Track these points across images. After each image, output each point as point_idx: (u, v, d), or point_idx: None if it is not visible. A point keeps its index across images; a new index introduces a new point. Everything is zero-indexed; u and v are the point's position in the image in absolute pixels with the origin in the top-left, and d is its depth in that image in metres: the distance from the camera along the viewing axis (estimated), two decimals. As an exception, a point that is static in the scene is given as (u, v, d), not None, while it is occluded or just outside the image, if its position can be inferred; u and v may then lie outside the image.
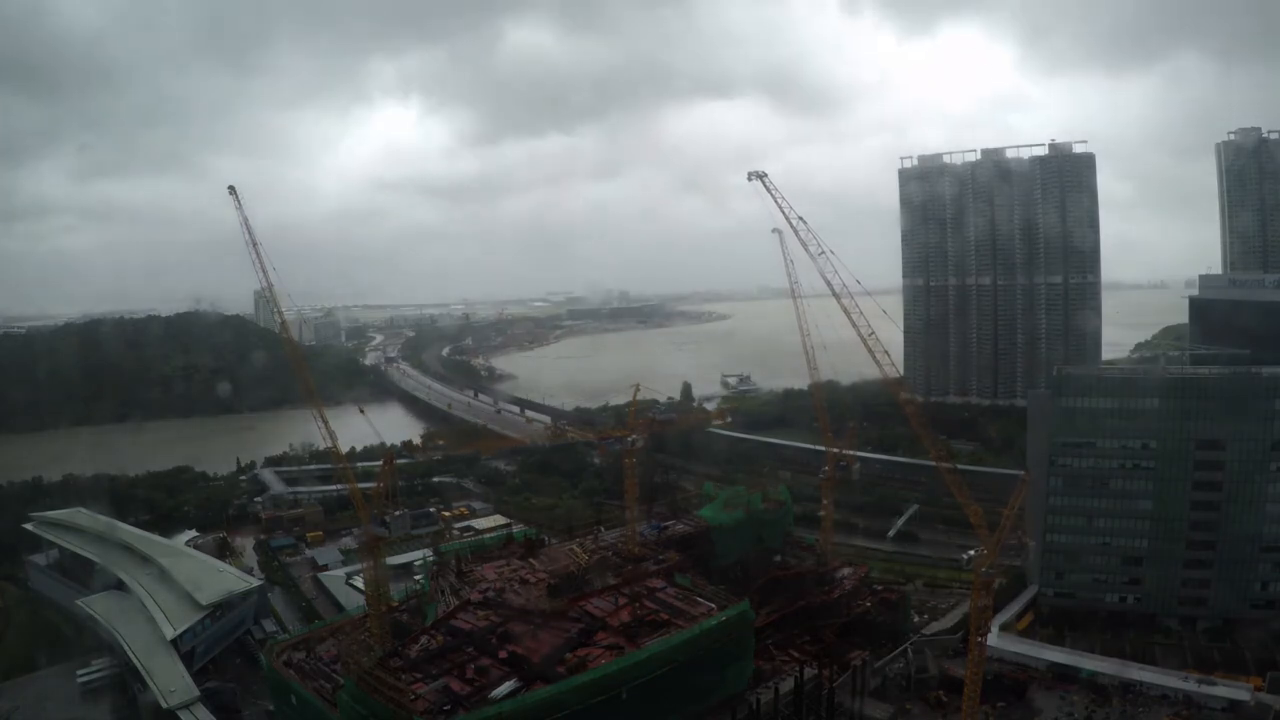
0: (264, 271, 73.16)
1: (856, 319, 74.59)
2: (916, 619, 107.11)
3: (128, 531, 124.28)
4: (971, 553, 68.37)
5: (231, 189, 73.93)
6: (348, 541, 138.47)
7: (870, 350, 74.84)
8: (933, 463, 78.03)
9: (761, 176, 79.12)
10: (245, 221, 73.48)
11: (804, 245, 75.86)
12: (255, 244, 73.67)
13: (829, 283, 74.77)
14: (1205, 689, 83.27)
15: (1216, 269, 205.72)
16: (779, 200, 78.23)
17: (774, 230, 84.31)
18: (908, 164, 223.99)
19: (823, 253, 74.61)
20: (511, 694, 64.42)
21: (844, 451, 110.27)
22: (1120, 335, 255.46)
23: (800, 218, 76.27)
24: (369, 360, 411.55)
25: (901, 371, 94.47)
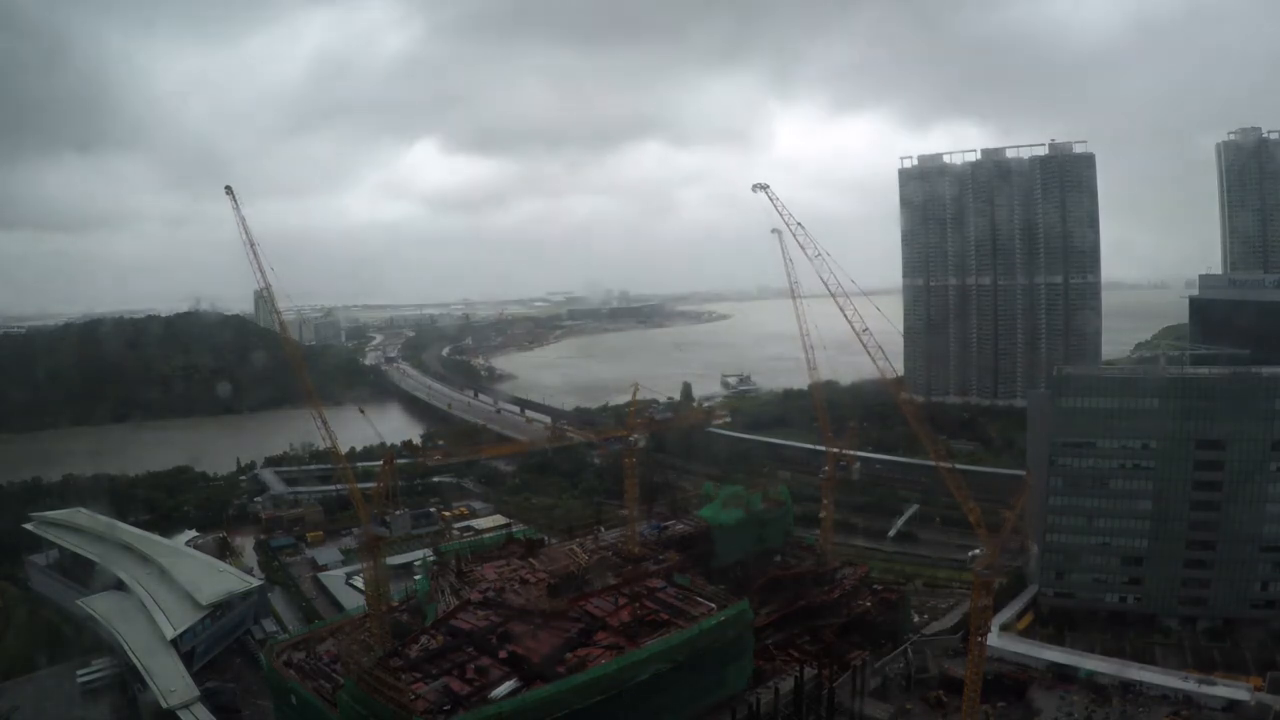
0: (261, 271, 73.02)
1: (852, 319, 75.81)
2: (916, 619, 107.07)
3: (128, 531, 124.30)
4: (975, 552, 68.50)
5: (228, 189, 73.82)
6: (348, 541, 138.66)
7: (866, 349, 75.57)
8: (933, 463, 78.18)
9: (765, 188, 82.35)
10: (243, 221, 73.37)
11: (802, 248, 78.39)
12: (253, 244, 73.62)
13: (825, 284, 76.51)
14: (1205, 689, 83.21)
15: (1216, 269, 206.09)
16: (780, 208, 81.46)
17: (773, 231, 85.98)
18: (908, 164, 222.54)
19: (819, 255, 76.70)
20: (511, 694, 64.44)
21: (844, 451, 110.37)
22: (1120, 335, 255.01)
23: (799, 223, 79.12)
24: (369, 360, 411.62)
25: (901, 371, 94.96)
